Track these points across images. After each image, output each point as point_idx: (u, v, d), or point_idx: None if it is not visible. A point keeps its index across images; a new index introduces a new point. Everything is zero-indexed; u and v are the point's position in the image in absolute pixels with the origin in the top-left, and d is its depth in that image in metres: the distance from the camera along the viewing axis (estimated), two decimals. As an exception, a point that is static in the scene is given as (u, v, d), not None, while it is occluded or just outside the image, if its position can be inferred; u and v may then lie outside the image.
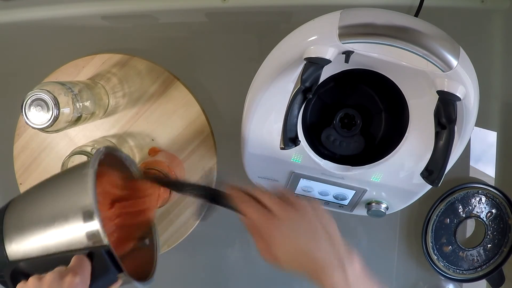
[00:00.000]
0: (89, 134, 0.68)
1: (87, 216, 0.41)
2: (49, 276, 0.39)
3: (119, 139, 0.69)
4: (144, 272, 0.50)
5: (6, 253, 0.43)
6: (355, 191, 0.61)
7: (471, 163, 0.75)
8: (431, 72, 0.46)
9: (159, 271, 0.79)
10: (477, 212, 0.74)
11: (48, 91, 0.52)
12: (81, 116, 0.58)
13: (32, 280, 0.39)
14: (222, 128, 0.70)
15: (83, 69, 0.67)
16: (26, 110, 0.52)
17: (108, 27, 0.73)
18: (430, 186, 0.57)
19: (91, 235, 0.41)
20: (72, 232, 0.41)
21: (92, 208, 0.41)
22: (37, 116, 0.52)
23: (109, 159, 0.49)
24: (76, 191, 0.43)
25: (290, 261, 0.45)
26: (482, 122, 0.73)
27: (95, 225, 0.41)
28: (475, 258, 0.76)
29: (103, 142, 0.67)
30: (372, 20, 0.46)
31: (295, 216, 0.46)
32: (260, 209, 0.47)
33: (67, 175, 0.48)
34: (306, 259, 0.44)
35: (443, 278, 0.77)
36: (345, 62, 0.48)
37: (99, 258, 0.41)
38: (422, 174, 0.49)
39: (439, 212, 0.74)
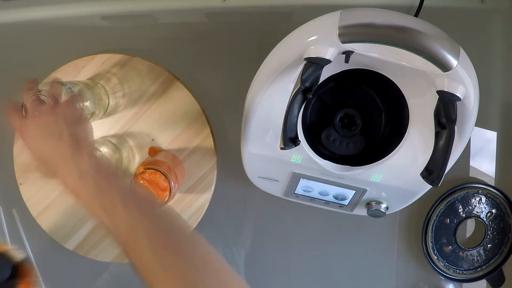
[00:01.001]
0: (89, 134, 0.68)
1: None
2: None
3: (119, 139, 0.69)
4: None
5: None
6: (355, 191, 0.61)
7: (471, 163, 0.75)
8: (431, 72, 0.46)
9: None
10: (477, 212, 0.74)
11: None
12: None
13: None
14: (222, 128, 0.70)
15: (83, 69, 0.67)
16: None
17: (108, 27, 0.73)
18: (430, 186, 0.57)
19: None
20: None
21: None
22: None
23: None
24: None
25: (40, 165, 0.47)
26: (482, 122, 0.73)
27: None
28: (475, 258, 0.76)
29: (103, 142, 0.67)
30: (372, 20, 0.46)
31: (43, 118, 0.48)
32: (22, 116, 0.50)
33: None
34: (45, 160, 0.46)
35: (443, 278, 0.77)
36: (345, 62, 0.48)
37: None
38: (422, 174, 0.49)
39: (439, 212, 0.74)
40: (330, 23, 0.47)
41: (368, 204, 0.63)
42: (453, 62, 0.45)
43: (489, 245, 0.76)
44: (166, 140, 0.69)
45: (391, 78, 0.53)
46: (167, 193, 0.59)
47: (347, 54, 0.47)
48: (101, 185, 0.43)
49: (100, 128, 0.68)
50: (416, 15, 0.68)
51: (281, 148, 0.48)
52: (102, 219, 0.42)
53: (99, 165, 0.44)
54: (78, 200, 0.43)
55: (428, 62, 0.46)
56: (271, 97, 0.53)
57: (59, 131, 0.46)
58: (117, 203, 0.41)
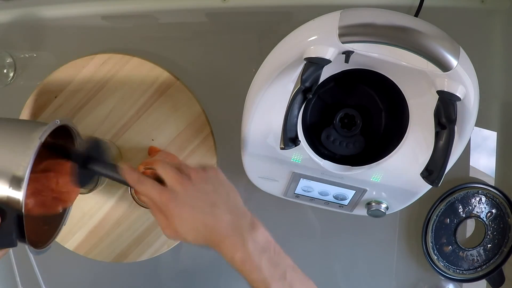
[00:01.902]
0: (89, 135, 0.68)
1: (15, 183, 0.42)
2: None
3: (119, 139, 0.69)
4: (40, 241, 0.51)
5: None
6: (355, 191, 0.61)
7: (471, 163, 0.75)
8: (431, 72, 0.46)
9: (159, 272, 0.79)
10: (477, 212, 0.74)
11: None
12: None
13: None
14: (222, 128, 0.70)
15: (83, 69, 0.67)
16: None
17: (108, 27, 0.73)
18: (430, 186, 0.57)
19: (11, 199, 0.42)
20: None
21: (23, 180, 0.42)
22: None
23: (61, 129, 0.50)
24: (16, 150, 0.44)
25: (191, 234, 0.45)
26: (482, 122, 0.73)
27: (18, 195, 0.42)
28: (475, 258, 0.76)
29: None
30: (372, 20, 0.46)
31: (192, 189, 0.45)
32: (155, 185, 0.46)
33: (15, 126, 0.48)
34: (205, 230, 0.44)
35: (443, 278, 0.77)
36: (345, 62, 0.48)
37: (9, 219, 0.42)
38: (422, 174, 0.50)
39: (439, 212, 0.74)
40: (330, 23, 0.47)
41: (368, 204, 0.63)
42: (453, 62, 0.45)
43: (489, 245, 0.76)
44: (166, 140, 0.69)
45: (391, 78, 0.53)
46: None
47: (347, 54, 0.47)
48: (273, 261, 0.44)
49: (100, 128, 0.68)
50: (416, 15, 0.68)
51: (281, 148, 0.48)
52: None
53: (271, 241, 0.45)
54: (241, 272, 0.44)
55: (428, 62, 0.46)
56: (271, 97, 0.53)
57: (222, 201, 0.46)
58: (285, 281, 0.43)
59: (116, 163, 0.51)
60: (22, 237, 0.43)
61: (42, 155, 0.49)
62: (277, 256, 0.45)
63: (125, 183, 0.49)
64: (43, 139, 0.44)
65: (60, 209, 0.55)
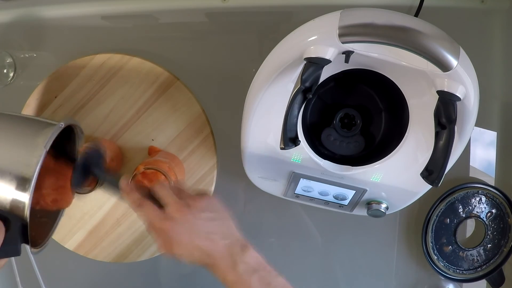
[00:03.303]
0: (89, 134, 0.68)
1: (21, 186, 0.41)
2: None
3: (119, 139, 0.69)
4: (39, 237, 0.51)
5: None
6: (355, 191, 0.61)
7: (471, 163, 0.75)
8: (431, 72, 0.46)
9: (159, 272, 0.79)
10: (477, 212, 0.74)
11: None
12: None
13: None
14: (222, 128, 0.70)
15: (83, 69, 0.67)
16: None
17: (108, 27, 0.73)
18: (430, 186, 0.57)
19: (16, 204, 0.41)
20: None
21: (29, 183, 0.41)
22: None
23: (65, 131, 0.49)
24: (22, 154, 0.42)
25: (186, 257, 0.48)
26: (482, 122, 0.73)
27: (24, 197, 0.41)
28: (475, 258, 0.76)
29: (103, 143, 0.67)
30: (372, 20, 0.46)
31: (190, 217, 0.48)
32: (155, 210, 0.48)
33: (20, 128, 0.46)
34: (201, 254, 0.47)
35: (443, 278, 0.77)
36: (345, 62, 0.48)
37: (13, 229, 0.41)
38: (422, 174, 0.49)
39: (439, 212, 0.74)
40: (330, 23, 0.47)
41: (368, 204, 0.63)
42: (453, 62, 0.45)
43: (489, 245, 0.76)
44: (166, 140, 0.69)
45: (391, 78, 0.53)
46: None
47: (347, 54, 0.47)
48: (264, 280, 0.47)
49: (100, 128, 0.68)
50: (416, 15, 0.68)
51: (281, 148, 0.48)
52: None
53: (261, 262, 0.48)
54: None
55: (428, 62, 0.46)
56: (271, 97, 0.53)
57: (217, 228, 0.49)
58: None
59: (117, 174, 0.52)
60: (25, 243, 0.43)
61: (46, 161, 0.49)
62: (268, 274, 0.47)
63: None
64: (48, 147, 0.43)
65: (56, 208, 0.55)
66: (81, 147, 0.56)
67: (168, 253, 0.48)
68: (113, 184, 0.51)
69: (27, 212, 0.41)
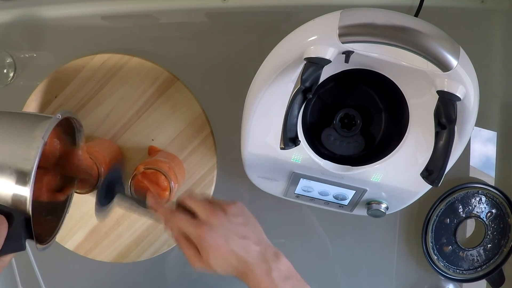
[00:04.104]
0: (89, 134, 0.68)
1: (21, 180, 0.40)
2: None
3: (119, 139, 0.69)
4: (44, 234, 0.50)
5: None
6: (355, 191, 0.61)
7: (471, 163, 0.75)
8: (431, 72, 0.46)
9: (159, 271, 0.79)
10: (477, 212, 0.74)
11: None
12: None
13: None
14: (222, 128, 0.70)
15: (83, 69, 0.67)
16: None
17: (108, 27, 0.73)
18: (430, 186, 0.57)
19: (17, 199, 0.41)
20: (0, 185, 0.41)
21: (29, 176, 0.40)
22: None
23: (63, 123, 0.49)
24: (20, 147, 0.42)
25: (221, 265, 0.47)
26: (482, 122, 0.73)
27: (25, 191, 0.40)
28: (475, 258, 0.76)
29: (103, 143, 0.67)
30: (372, 20, 0.46)
31: (226, 221, 0.48)
32: (189, 219, 0.48)
33: (18, 123, 0.46)
34: (236, 262, 0.47)
35: (443, 278, 0.77)
36: (345, 62, 0.48)
37: (16, 223, 0.40)
38: (422, 174, 0.49)
39: (439, 212, 0.74)
40: (330, 23, 0.47)
41: (368, 204, 0.63)
42: (453, 62, 0.45)
43: (489, 245, 0.76)
44: (166, 140, 0.69)
45: (391, 78, 0.53)
46: (167, 193, 0.59)
47: (347, 54, 0.47)
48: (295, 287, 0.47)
49: (100, 128, 0.68)
50: (416, 15, 0.68)
51: (281, 148, 0.48)
52: None
53: (293, 270, 0.48)
54: None
55: (428, 62, 0.46)
56: (271, 97, 0.53)
57: (251, 233, 0.49)
58: None
59: (142, 193, 0.51)
60: (30, 238, 0.42)
61: (46, 153, 0.48)
62: (299, 283, 0.47)
63: (148, 213, 0.50)
64: (46, 138, 0.43)
65: (62, 198, 0.55)
66: (82, 142, 0.55)
67: (202, 265, 0.47)
68: (139, 204, 0.51)
69: (29, 206, 0.41)
